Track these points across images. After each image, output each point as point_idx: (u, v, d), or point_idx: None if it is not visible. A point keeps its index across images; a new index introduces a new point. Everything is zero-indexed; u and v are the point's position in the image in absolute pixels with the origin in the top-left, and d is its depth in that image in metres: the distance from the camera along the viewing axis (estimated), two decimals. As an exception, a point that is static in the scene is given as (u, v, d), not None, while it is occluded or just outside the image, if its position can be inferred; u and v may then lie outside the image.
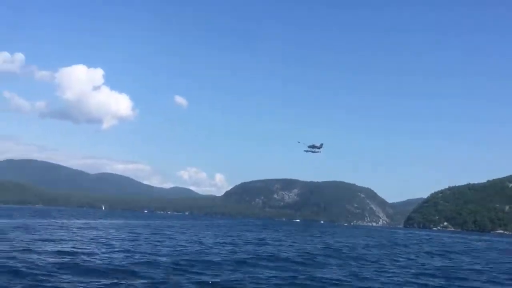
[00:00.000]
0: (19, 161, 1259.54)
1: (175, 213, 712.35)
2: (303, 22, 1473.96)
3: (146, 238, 68.64)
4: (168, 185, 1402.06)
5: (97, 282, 29.03)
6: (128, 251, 47.66)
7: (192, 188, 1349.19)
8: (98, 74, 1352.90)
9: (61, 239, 58.06)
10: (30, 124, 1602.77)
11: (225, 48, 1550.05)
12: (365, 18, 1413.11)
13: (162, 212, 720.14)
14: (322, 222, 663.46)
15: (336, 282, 35.56)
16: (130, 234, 76.60)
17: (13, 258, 36.28)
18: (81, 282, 28.78)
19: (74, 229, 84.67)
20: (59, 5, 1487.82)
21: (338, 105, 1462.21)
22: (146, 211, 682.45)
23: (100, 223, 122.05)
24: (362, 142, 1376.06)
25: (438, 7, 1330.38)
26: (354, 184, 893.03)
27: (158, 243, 59.99)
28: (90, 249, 48.26)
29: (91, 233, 75.65)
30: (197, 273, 34.72)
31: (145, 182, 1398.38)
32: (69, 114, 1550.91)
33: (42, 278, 29.26)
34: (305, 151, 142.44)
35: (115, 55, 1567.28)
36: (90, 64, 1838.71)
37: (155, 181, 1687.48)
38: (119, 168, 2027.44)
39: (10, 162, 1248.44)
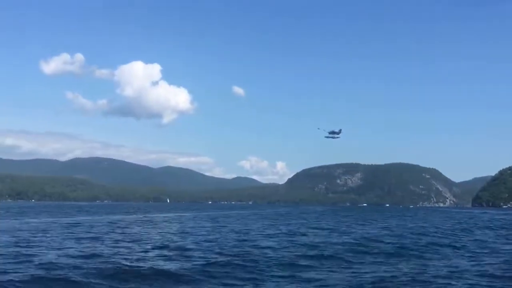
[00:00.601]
0: (85, 159, 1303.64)
1: (239, 202, 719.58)
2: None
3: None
4: (230, 175, 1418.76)
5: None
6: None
7: (255, 177, 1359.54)
8: (155, 69, 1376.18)
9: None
10: (93, 122, 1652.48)
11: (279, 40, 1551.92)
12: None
13: (225, 202, 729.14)
14: (388, 205, 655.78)
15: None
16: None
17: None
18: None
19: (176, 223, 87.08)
20: (111, 5, 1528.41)
21: (397, 78, 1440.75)
22: (210, 202, 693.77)
23: (181, 215, 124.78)
24: (423, 120, 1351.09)
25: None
26: (418, 165, 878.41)
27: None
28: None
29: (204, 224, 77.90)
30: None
31: (207, 174, 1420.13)
32: (130, 111, 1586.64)
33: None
34: (325, 137, 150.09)
35: (171, 49, 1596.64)
36: (147, 60, 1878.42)
37: (218, 172, 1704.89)
38: (181, 161, 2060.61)
39: (76, 160, 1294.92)
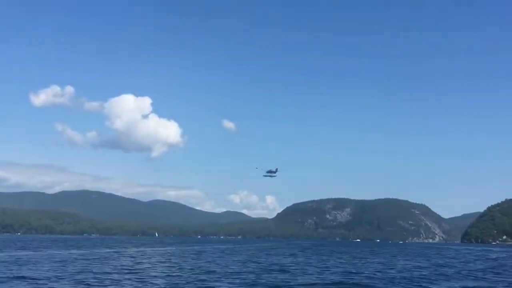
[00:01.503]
0: (73, 192, 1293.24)
1: (228, 237, 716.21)
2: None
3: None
4: (220, 209, 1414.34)
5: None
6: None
7: (244, 211, 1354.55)
8: (146, 102, 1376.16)
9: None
10: (82, 155, 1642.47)
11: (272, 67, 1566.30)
12: None
13: (214, 236, 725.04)
14: (378, 241, 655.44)
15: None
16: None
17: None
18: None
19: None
20: (102, 37, 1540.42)
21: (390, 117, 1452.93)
22: (199, 237, 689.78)
23: (175, 249, 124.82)
24: (413, 160, 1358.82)
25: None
26: (407, 201, 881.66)
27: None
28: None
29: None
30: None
31: (197, 207, 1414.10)
32: (120, 143, 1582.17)
33: None
34: (264, 175, 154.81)
35: (162, 83, 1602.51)
36: (138, 92, 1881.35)
37: (207, 206, 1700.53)
38: (171, 194, 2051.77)
39: (64, 193, 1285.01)
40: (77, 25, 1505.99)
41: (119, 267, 61.17)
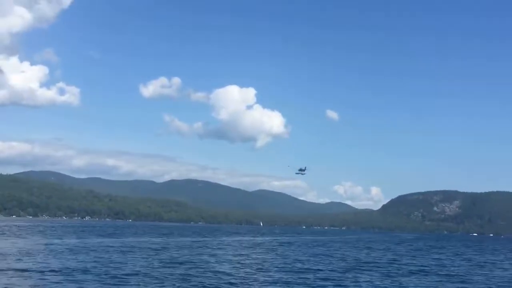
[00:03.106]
0: (181, 181, 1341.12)
1: (332, 228, 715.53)
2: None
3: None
4: (324, 200, 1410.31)
5: None
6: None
7: (348, 202, 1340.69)
8: (250, 93, 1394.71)
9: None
10: (189, 145, 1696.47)
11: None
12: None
13: (318, 227, 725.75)
14: (491, 235, 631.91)
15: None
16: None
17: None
18: None
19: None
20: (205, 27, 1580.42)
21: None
22: (304, 227, 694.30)
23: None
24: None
25: None
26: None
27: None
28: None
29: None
30: None
31: (301, 198, 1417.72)
32: (225, 134, 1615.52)
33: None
34: (296, 173, 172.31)
35: (266, 73, 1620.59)
36: (242, 84, 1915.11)
37: (311, 197, 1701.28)
38: (275, 185, 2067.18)
39: (172, 182, 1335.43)
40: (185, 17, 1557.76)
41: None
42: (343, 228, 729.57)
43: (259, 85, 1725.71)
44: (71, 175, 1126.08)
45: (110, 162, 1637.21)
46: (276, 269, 58.27)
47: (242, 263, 63.91)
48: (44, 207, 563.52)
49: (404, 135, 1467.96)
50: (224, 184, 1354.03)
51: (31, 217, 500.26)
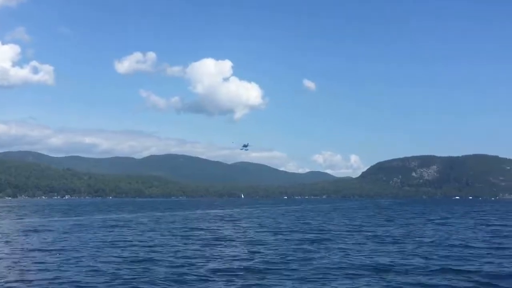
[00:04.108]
0: (160, 156, 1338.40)
1: (312, 197, 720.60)
2: None
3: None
4: (304, 170, 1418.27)
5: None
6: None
7: (328, 171, 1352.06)
8: (226, 65, 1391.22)
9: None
10: (167, 120, 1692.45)
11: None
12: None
13: (299, 197, 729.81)
14: (470, 198, 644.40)
15: None
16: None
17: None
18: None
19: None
20: (180, 2, 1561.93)
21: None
22: (285, 197, 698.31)
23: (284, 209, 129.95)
24: (502, 113, 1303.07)
25: None
26: (497, 156, 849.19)
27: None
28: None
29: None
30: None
31: (281, 168, 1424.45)
32: (203, 107, 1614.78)
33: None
34: (240, 149, 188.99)
35: (241, 45, 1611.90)
36: (218, 56, 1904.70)
37: (291, 167, 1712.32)
38: (254, 156, 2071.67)
39: (152, 158, 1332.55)
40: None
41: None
42: (324, 196, 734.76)
43: (235, 57, 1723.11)
44: (49, 154, 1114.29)
45: (88, 140, 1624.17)
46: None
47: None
48: (23, 188, 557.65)
49: (380, 103, 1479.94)
50: (204, 158, 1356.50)
51: (10, 198, 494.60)
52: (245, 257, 39.39)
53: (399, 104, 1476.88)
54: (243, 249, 45.15)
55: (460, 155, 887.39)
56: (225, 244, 49.18)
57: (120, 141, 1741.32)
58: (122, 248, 45.13)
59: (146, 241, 51.70)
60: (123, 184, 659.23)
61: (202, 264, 35.50)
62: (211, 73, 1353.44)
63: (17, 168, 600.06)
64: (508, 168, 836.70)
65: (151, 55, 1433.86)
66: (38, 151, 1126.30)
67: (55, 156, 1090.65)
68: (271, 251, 42.39)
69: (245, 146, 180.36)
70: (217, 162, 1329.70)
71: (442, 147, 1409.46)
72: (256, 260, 37.31)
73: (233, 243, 50.40)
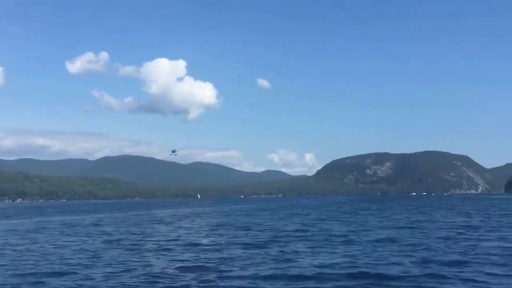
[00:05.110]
0: (114, 157, 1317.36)
1: (269, 195, 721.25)
2: None
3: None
4: (259, 169, 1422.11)
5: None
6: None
7: (284, 170, 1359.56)
8: (180, 65, 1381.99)
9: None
10: (121, 120, 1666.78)
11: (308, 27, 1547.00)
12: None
13: (255, 196, 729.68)
14: (424, 193, 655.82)
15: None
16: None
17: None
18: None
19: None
20: (132, 1, 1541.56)
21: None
22: (242, 196, 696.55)
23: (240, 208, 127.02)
24: (453, 110, 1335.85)
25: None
26: (448, 153, 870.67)
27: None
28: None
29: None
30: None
31: (236, 168, 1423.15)
32: (157, 107, 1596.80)
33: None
34: (170, 154, 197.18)
35: (195, 45, 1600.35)
36: (172, 56, 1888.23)
37: (247, 166, 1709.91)
38: (210, 156, 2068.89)
39: (106, 159, 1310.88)
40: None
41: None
42: (280, 195, 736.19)
43: (189, 57, 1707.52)
44: (1, 157, 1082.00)
45: (41, 141, 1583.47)
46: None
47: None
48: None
49: (334, 100, 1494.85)
50: (159, 158, 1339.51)
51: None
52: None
53: (353, 101, 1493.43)
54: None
55: (412, 152, 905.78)
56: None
57: (73, 142, 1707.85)
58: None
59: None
60: (76, 187, 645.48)
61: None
62: (165, 73, 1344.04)
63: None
64: (459, 164, 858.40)
65: (104, 55, 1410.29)
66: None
67: (7, 159, 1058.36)
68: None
69: (173, 151, 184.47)
70: (173, 162, 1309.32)
71: (396, 144, 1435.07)
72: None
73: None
